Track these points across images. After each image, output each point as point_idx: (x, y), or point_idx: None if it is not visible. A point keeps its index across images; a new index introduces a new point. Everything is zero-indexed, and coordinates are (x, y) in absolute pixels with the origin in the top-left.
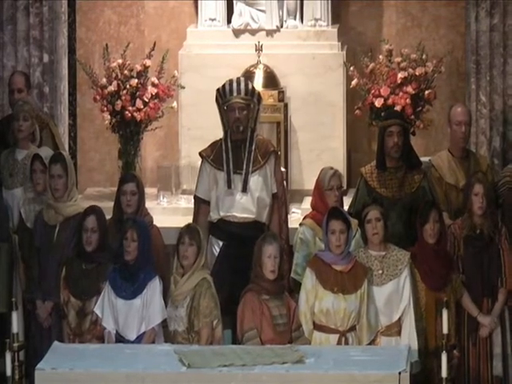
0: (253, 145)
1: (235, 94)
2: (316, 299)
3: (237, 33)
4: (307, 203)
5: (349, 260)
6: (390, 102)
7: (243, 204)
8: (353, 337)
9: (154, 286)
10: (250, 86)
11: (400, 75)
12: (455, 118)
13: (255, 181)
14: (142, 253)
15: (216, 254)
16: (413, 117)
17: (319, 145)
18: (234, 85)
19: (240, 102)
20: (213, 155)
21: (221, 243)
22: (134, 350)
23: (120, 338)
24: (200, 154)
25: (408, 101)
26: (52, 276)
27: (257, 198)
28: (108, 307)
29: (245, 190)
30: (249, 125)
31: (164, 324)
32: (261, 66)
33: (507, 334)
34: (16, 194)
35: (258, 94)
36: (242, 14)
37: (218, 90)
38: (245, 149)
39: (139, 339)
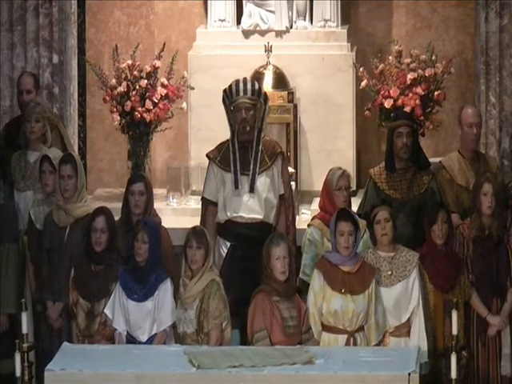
0: (260, 145)
1: (242, 94)
2: (324, 300)
3: (246, 33)
4: (316, 204)
5: (356, 261)
6: (399, 102)
7: (250, 205)
8: (361, 337)
9: (166, 288)
10: (256, 87)
11: (409, 76)
12: (466, 120)
13: (262, 182)
14: (152, 254)
15: (224, 254)
16: (422, 118)
17: (328, 146)
18: (241, 85)
19: (246, 103)
20: (220, 156)
21: (228, 244)
22: (144, 351)
23: (131, 339)
24: (207, 155)
25: (417, 102)
26: (62, 277)
27: (264, 198)
28: (119, 308)
29: (252, 190)
30: (256, 125)
31: (173, 325)
32: (270, 67)
33: None
34: (28, 196)
35: (265, 94)
36: (252, 15)
37: (224, 90)
38: (252, 150)
39: (150, 341)
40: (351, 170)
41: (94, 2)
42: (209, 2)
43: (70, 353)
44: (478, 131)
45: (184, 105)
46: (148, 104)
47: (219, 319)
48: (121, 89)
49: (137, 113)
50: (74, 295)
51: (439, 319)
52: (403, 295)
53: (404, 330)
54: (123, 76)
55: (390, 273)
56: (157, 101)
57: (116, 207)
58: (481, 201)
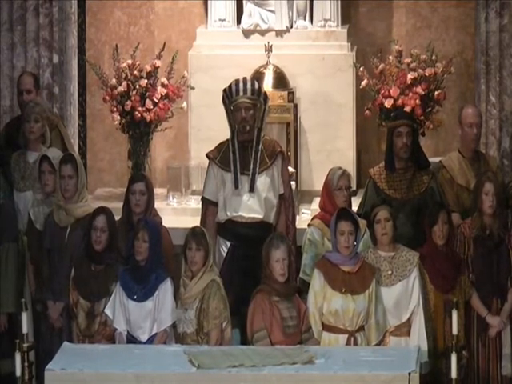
0: (259, 145)
1: (241, 93)
2: (324, 300)
3: (246, 33)
4: (317, 204)
5: (356, 260)
6: (399, 102)
7: (250, 204)
8: (362, 337)
9: (166, 288)
10: (256, 86)
11: (410, 76)
12: (466, 120)
13: (262, 181)
14: (152, 254)
15: (224, 254)
16: (422, 117)
17: (329, 145)
18: (241, 85)
19: (246, 102)
20: (220, 156)
21: (229, 244)
22: (144, 351)
23: (132, 339)
24: (207, 155)
25: (418, 101)
26: (63, 277)
27: (264, 198)
28: (119, 308)
29: (252, 190)
30: (255, 125)
31: (173, 325)
32: (270, 67)
33: None
34: (28, 196)
35: (265, 93)
36: (252, 15)
37: (224, 90)
38: (252, 149)
39: (151, 340)
40: (351, 169)
41: (94, 1)
42: (209, 1)
43: (71, 352)
44: (478, 131)
45: (184, 104)
46: (148, 104)
47: (219, 319)
48: (121, 88)
49: (137, 112)
50: (74, 295)
51: (439, 319)
52: (403, 295)
53: (404, 329)
54: (123, 76)
55: (390, 272)
56: (157, 100)
57: (116, 207)
58: (482, 200)
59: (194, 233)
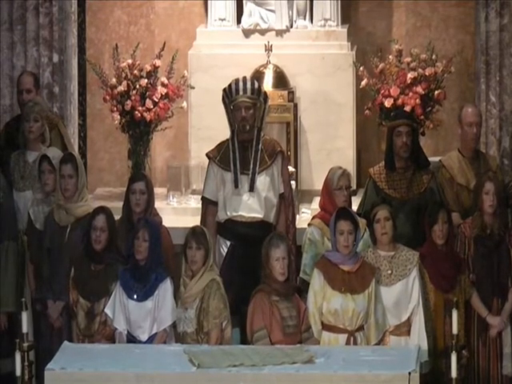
0: (259, 144)
1: (241, 93)
2: (324, 300)
3: (246, 33)
4: (317, 203)
5: (356, 260)
6: (399, 102)
7: (250, 204)
8: (361, 336)
9: (166, 288)
10: (256, 85)
11: (410, 75)
12: (466, 119)
13: (262, 181)
14: (152, 253)
15: (224, 253)
16: (422, 117)
17: (329, 145)
18: (240, 84)
19: (246, 101)
20: (219, 156)
21: (228, 243)
22: (144, 350)
23: (132, 338)
24: (207, 155)
25: (418, 101)
26: (63, 276)
27: (264, 198)
28: (119, 308)
29: (252, 189)
30: (255, 124)
31: (173, 324)
32: (270, 66)
33: None
34: (27, 196)
35: (265, 93)
36: (252, 14)
37: (224, 89)
38: (251, 149)
39: (151, 340)
40: (351, 169)
41: (94, 1)
42: (209, 1)
43: (71, 352)
44: (477, 130)
45: (184, 104)
46: (148, 103)
47: (219, 319)
48: (121, 88)
49: (137, 112)
50: (74, 294)
51: (440, 318)
52: (403, 294)
53: (404, 329)
54: (123, 75)
55: (389, 272)
56: (157, 100)
57: (116, 206)
58: (482, 200)
59: (194, 232)
